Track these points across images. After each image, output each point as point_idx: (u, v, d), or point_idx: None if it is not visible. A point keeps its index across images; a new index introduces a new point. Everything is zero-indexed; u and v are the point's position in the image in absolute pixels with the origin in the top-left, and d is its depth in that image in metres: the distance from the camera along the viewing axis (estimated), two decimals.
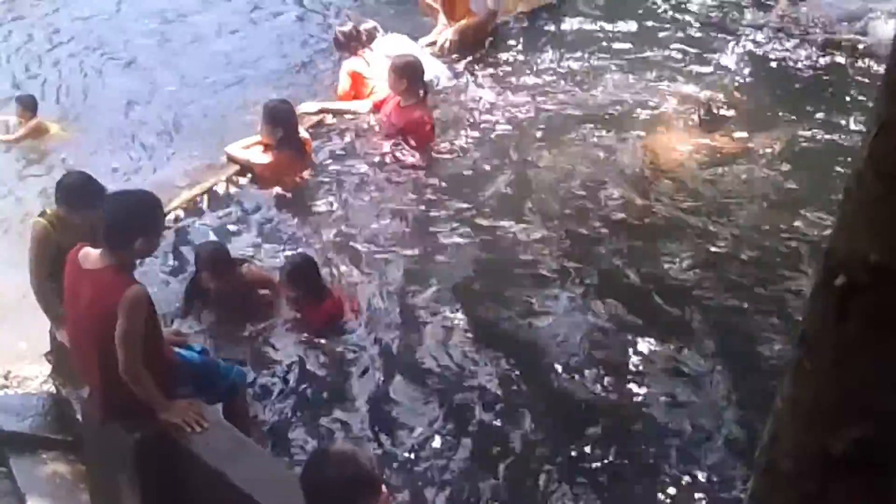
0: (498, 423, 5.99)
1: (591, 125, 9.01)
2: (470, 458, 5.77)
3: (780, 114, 9.31)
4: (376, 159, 8.51)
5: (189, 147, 9.57)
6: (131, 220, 5.00)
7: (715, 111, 9.15)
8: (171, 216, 7.45)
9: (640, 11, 11.21)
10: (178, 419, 5.11)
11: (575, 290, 6.99)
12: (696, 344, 6.53)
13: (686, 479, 5.60)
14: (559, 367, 6.35)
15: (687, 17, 11.23)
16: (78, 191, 6.34)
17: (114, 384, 4.97)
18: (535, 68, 10.07)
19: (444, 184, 8.23)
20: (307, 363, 6.45)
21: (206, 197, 8.07)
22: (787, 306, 6.82)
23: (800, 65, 10.21)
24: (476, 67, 10.01)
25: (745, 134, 8.93)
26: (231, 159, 8.36)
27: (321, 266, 7.02)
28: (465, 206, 7.93)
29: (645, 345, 6.51)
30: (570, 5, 11.32)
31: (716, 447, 5.81)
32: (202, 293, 6.87)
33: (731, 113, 9.23)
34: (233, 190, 8.19)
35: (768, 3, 11.45)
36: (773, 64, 10.25)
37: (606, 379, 6.23)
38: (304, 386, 6.33)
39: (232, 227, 7.79)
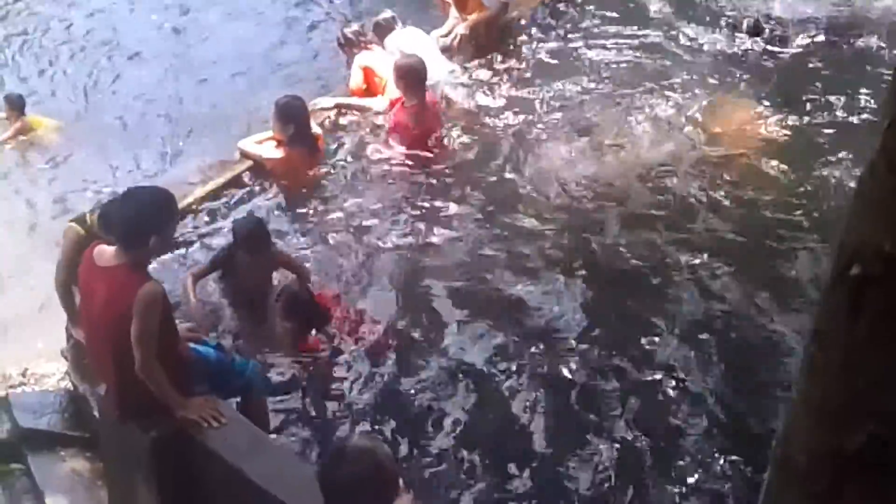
0: (510, 421, 6.00)
1: (600, 122, 8.99)
2: (485, 456, 5.78)
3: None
4: (385, 156, 8.50)
5: (202, 143, 9.56)
6: (146, 218, 4.99)
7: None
8: (184, 213, 7.47)
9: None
10: (194, 416, 5.11)
11: (582, 285, 7.01)
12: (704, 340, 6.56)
13: (693, 474, 5.64)
14: (572, 366, 6.38)
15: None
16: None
17: (130, 382, 4.97)
18: (546, 64, 10.01)
19: (451, 181, 8.23)
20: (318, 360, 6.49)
21: (219, 193, 8.07)
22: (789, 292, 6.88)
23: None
24: (487, 64, 9.96)
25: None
26: (244, 154, 8.37)
27: (330, 263, 7.08)
28: (469, 202, 7.98)
29: (651, 337, 6.57)
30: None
31: (723, 442, 5.83)
32: (231, 269, 6.89)
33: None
34: (245, 186, 8.18)
35: None
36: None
37: (618, 378, 6.26)
38: (315, 383, 6.36)
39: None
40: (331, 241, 7.57)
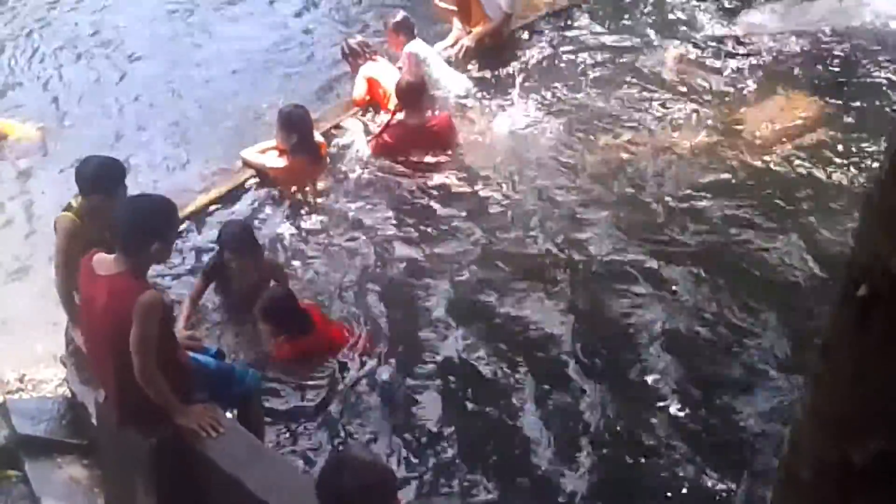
0: (512, 431, 6.00)
1: (600, 134, 9.01)
2: (481, 467, 5.80)
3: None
4: (388, 167, 8.53)
5: (204, 151, 9.55)
6: (147, 225, 4.99)
7: None
8: (185, 221, 7.49)
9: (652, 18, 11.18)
10: (193, 424, 5.10)
11: (582, 296, 7.07)
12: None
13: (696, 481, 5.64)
14: (565, 374, 6.41)
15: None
16: (106, 172, 6.28)
17: (129, 389, 4.97)
18: (549, 74, 10.06)
19: (452, 192, 8.26)
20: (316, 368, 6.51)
21: (220, 202, 8.08)
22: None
23: None
24: (490, 75, 10.00)
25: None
26: (246, 164, 8.38)
27: (330, 272, 7.11)
28: (468, 211, 8.04)
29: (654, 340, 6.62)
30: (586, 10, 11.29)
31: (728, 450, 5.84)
32: (222, 277, 6.89)
33: None
34: (248, 194, 8.18)
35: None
36: None
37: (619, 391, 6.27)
38: (314, 392, 6.35)
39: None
40: (331, 250, 7.59)
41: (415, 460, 5.82)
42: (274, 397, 6.28)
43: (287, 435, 6.07)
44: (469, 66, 10.05)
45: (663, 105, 9.48)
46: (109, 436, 5.50)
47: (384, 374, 6.45)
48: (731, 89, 9.75)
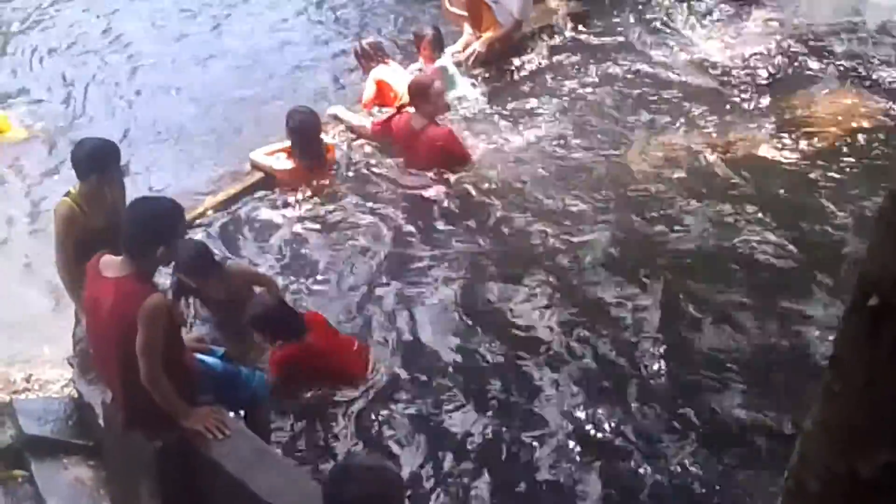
0: (519, 445, 5.96)
1: (606, 146, 8.98)
2: (488, 474, 5.77)
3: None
4: (396, 169, 8.53)
5: (212, 154, 9.55)
6: (153, 229, 4.99)
7: None
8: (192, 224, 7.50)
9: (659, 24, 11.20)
10: (199, 426, 5.11)
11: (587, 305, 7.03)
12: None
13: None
14: (565, 381, 6.40)
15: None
16: (99, 153, 6.30)
17: (135, 391, 4.97)
18: (560, 80, 10.04)
19: (454, 204, 8.20)
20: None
21: (227, 205, 8.08)
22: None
23: None
24: (500, 80, 10.00)
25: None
26: (254, 165, 8.39)
27: (334, 279, 7.17)
28: (474, 218, 8.00)
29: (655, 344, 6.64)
30: (602, 17, 11.29)
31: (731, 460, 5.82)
32: (190, 291, 6.80)
33: None
34: (254, 197, 8.19)
35: None
36: None
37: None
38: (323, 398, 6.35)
39: (249, 235, 7.81)
40: (335, 254, 7.57)
41: (422, 467, 5.80)
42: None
43: (294, 438, 6.05)
44: (477, 71, 10.02)
45: (672, 107, 9.49)
46: (115, 437, 5.51)
47: (391, 380, 6.43)
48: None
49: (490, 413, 6.14)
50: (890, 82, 9.93)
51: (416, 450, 5.94)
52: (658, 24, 11.26)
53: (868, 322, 1.95)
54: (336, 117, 9.06)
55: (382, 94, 9.25)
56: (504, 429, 6.02)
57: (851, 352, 2.02)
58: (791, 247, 7.46)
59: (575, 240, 7.66)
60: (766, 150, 8.81)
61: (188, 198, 7.71)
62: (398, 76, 9.32)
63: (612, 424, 6.02)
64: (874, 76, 10.06)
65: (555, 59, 10.49)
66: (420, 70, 9.49)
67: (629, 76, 10.15)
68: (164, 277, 6.63)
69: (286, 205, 8.11)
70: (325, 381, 6.29)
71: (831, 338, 6.17)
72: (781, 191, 8.24)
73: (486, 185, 8.34)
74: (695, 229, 7.79)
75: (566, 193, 8.23)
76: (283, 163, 8.21)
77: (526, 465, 5.81)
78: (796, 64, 10.28)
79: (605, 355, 6.57)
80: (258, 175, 8.31)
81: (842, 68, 10.16)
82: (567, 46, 10.73)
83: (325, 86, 10.86)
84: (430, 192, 8.25)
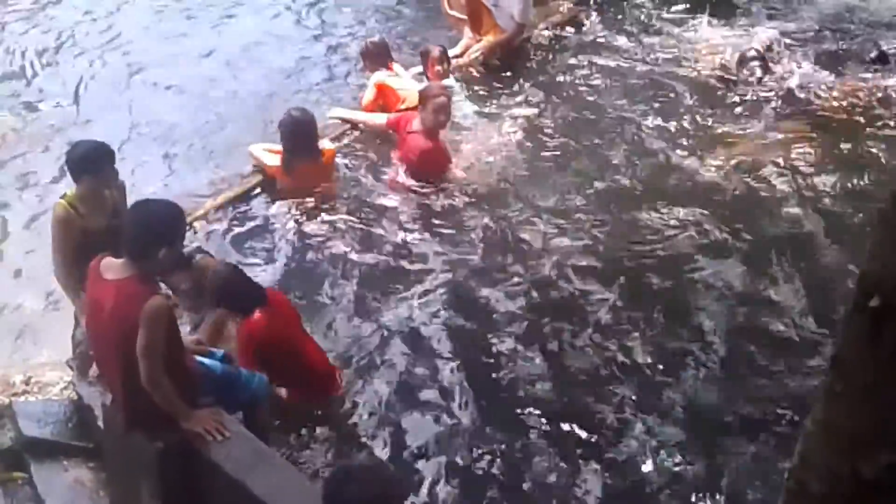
0: (519, 446, 6.01)
1: (611, 144, 9.03)
2: (490, 474, 5.81)
3: None
4: (394, 176, 8.50)
5: (213, 156, 9.55)
6: (155, 231, 5.00)
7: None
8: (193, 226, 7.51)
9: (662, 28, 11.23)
10: (199, 428, 5.12)
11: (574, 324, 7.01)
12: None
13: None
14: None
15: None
16: (92, 154, 6.37)
17: (136, 393, 4.98)
18: (560, 85, 10.07)
19: (454, 205, 8.20)
20: None
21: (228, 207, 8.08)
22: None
23: None
24: (500, 85, 10.01)
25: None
26: (252, 156, 8.37)
27: (321, 283, 7.20)
28: (468, 227, 7.97)
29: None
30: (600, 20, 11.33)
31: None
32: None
33: None
34: (254, 200, 8.19)
35: None
36: None
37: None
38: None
39: (242, 236, 7.82)
40: (326, 258, 7.57)
41: (422, 469, 5.82)
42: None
43: (294, 440, 6.06)
44: (476, 73, 10.03)
45: (681, 117, 9.52)
46: (115, 439, 5.52)
47: (387, 384, 6.45)
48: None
49: (480, 418, 6.16)
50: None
51: (415, 453, 5.96)
52: (652, 24, 11.37)
53: (870, 323, 1.95)
54: (342, 119, 9.06)
55: (383, 97, 9.22)
56: (497, 434, 6.06)
57: (853, 352, 2.02)
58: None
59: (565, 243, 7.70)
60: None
61: (188, 199, 7.74)
62: (401, 81, 9.32)
63: (597, 431, 6.08)
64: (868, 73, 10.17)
65: (554, 60, 10.53)
66: (420, 75, 9.48)
67: (626, 76, 10.22)
68: None
69: (283, 208, 8.08)
70: (293, 367, 6.20)
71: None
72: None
73: (477, 191, 8.35)
74: (685, 228, 7.88)
75: (557, 196, 8.30)
76: (275, 159, 8.16)
77: (522, 468, 5.84)
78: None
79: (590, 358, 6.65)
80: (257, 178, 8.29)
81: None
82: (566, 48, 10.74)
83: (337, 90, 10.80)
84: (426, 199, 8.24)
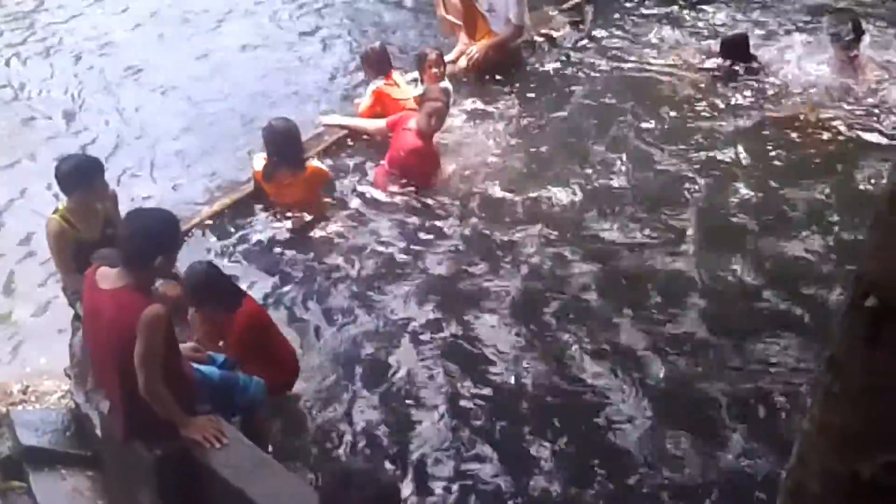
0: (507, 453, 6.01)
1: (605, 148, 9.05)
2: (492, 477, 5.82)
3: None
4: (376, 176, 8.52)
5: (209, 164, 9.51)
6: (150, 239, 5.01)
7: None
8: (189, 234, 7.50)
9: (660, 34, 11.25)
10: (197, 435, 5.12)
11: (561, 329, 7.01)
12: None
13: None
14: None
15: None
16: (81, 168, 6.51)
17: (135, 402, 4.98)
18: (556, 89, 10.09)
19: (443, 211, 8.21)
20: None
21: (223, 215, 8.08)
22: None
23: None
24: (495, 89, 10.04)
25: None
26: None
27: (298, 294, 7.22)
28: (457, 234, 7.96)
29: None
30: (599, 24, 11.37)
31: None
32: None
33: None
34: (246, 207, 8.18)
35: None
36: None
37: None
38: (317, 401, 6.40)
39: (227, 249, 7.79)
40: (305, 269, 7.58)
41: (419, 474, 5.82)
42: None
43: (292, 445, 6.07)
44: (465, 79, 10.06)
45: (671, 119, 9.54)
46: (114, 447, 5.52)
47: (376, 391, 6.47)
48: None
49: (469, 424, 6.17)
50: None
51: (409, 453, 5.98)
52: (641, 23, 11.42)
53: (866, 323, 1.96)
54: (338, 126, 9.05)
55: (381, 106, 9.20)
56: (491, 437, 6.08)
57: (850, 353, 2.03)
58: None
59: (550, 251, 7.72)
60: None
61: (185, 208, 7.75)
62: (399, 90, 9.32)
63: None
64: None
65: (547, 65, 10.55)
66: (415, 81, 9.49)
67: (618, 77, 10.26)
68: None
69: (272, 219, 8.06)
70: (271, 357, 6.25)
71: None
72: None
73: (465, 194, 8.37)
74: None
75: (547, 199, 8.32)
76: (259, 164, 8.13)
77: (519, 468, 5.86)
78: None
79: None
80: (250, 188, 8.26)
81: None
82: (560, 53, 10.77)
83: (338, 98, 10.77)
84: (411, 200, 8.24)
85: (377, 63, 9.46)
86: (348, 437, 6.07)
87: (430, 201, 8.26)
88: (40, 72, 11.54)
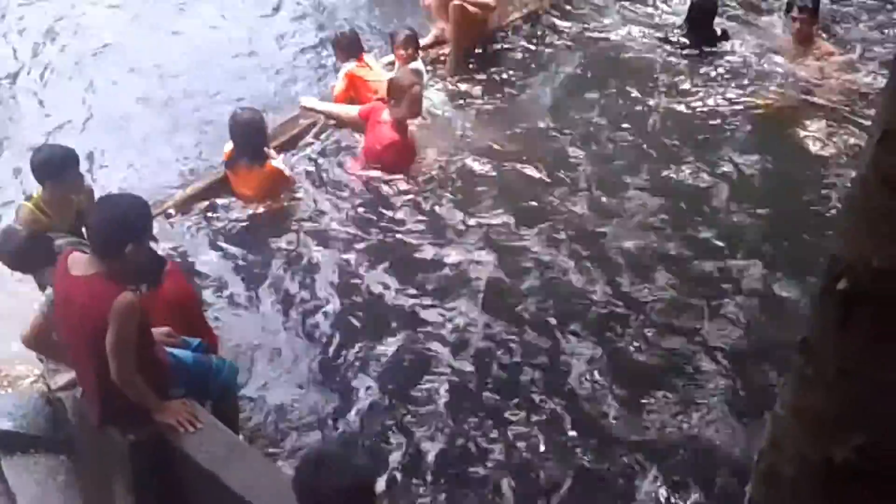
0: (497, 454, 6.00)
1: (573, 144, 8.97)
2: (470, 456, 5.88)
3: None
4: (352, 176, 8.45)
5: (182, 149, 9.43)
6: (121, 227, 4.92)
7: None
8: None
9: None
10: (171, 419, 5.10)
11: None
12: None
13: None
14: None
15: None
16: (55, 158, 6.48)
17: (109, 388, 4.94)
18: (530, 75, 10.05)
19: (418, 200, 8.16)
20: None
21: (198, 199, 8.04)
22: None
23: None
24: (469, 75, 9.99)
25: None
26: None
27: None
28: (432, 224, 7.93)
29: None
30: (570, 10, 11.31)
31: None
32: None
33: None
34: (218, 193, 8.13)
35: None
36: None
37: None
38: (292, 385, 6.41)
39: (194, 233, 7.78)
40: (275, 264, 7.52)
41: (395, 457, 5.83)
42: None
43: (265, 429, 6.07)
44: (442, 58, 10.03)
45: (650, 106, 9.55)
46: (87, 432, 5.49)
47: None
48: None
49: (454, 424, 6.16)
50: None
51: (389, 437, 6.00)
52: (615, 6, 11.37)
53: (839, 306, 1.96)
54: (314, 110, 9.02)
55: (354, 89, 9.18)
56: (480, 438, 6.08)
57: (823, 337, 2.03)
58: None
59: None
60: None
61: (158, 193, 7.71)
62: (372, 72, 9.29)
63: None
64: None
65: (523, 50, 10.49)
66: (392, 65, 9.44)
67: (593, 61, 10.22)
68: None
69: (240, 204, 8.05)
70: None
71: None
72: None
73: (441, 184, 8.34)
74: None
75: (524, 187, 8.31)
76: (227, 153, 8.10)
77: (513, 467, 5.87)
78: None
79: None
80: (223, 171, 8.21)
81: None
82: (536, 37, 10.71)
83: (313, 82, 10.68)
84: (386, 190, 8.21)
85: (348, 47, 9.44)
86: (321, 422, 6.08)
87: (404, 186, 8.23)
88: (10, 51, 11.39)
